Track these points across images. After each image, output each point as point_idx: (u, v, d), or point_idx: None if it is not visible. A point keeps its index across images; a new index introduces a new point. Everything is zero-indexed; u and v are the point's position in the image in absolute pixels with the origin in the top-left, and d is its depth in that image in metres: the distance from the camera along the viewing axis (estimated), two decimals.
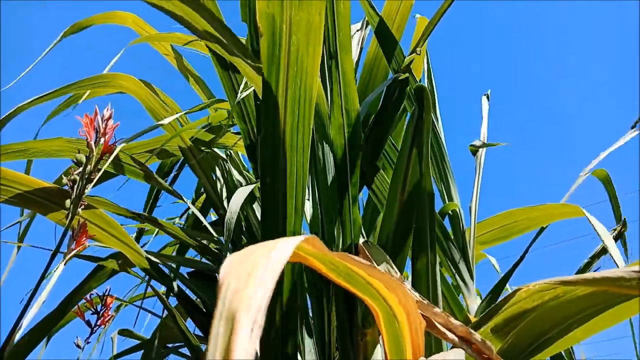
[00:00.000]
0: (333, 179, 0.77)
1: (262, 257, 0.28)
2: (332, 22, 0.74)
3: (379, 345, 0.79)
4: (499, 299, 0.55)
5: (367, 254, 0.73)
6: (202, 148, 1.12)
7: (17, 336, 0.72)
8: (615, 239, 0.89)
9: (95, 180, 0.77)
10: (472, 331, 0.52)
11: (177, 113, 1.20)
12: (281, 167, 0.62)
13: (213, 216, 1.40)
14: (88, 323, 0.97)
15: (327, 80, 0.75)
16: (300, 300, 0.73)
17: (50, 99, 0.99)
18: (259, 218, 0.95)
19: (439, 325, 0.55)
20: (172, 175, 1.27)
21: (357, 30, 1.07)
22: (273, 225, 0.65)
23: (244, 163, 1.17)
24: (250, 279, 0.26)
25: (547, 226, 1.01)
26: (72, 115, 1.14)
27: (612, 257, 0.77)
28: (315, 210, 0.78)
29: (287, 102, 0.59)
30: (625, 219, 0.90)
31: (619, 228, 0.90)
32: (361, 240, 0.78)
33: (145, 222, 1.02)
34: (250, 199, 0.96)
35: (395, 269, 0.71)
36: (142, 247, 0.99)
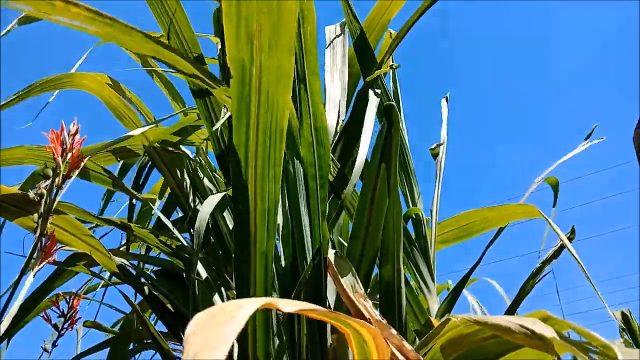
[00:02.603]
0: (303, 194, 0.79)
1: (219, 325, 0.33)
2: (299, 47, 0.75)
3: (348, 350, 0.83)
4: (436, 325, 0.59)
5: (335, 269, 0.76)
6: (169, 148, 1.11)
7: None
8: (562, 245, 0.95)
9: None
10: (421, 358, 0.56)
11: (140, 110, 1.18)
12: (252, 195, 0.64)
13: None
14: (55, 327, 0.97)
15: (297, 100, 0.77)
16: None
17: (13, 105, 0.96)
18: (229, 226, 0.96)
19: (392, 347, 0.59)
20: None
21: (339, 35, 1.07)
22: (245, 248, 0.67)
23: (211, 164, 1.17)
24: (209, 341, 0.31)
25: (505, 227, 1.06)
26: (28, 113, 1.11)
27: (572, 254, 0.82)
28: (287, 226, 0.80)
29: (259, 134, 0.61)
30: (574, 226, 0.97)
31: (568, 234, 0.96)
32: (332, 252, 0.81)
33: (111, 226, 1.01)
34: (220, 202, 0.96)
35: (360, 284, 0.75)
36: None
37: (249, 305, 0.36)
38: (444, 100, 1.19)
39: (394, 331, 0.61)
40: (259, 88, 0.58)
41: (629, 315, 2.33)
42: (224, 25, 0.57)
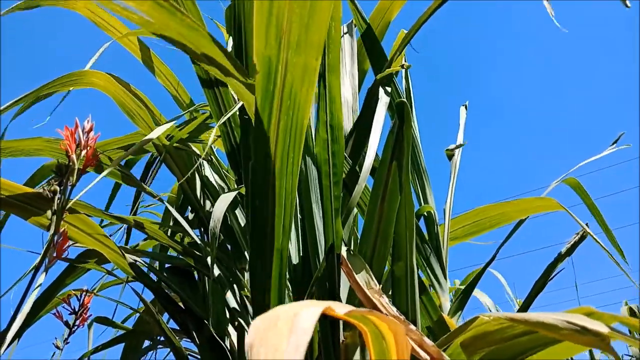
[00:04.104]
0: (316, 192, 0.79)
1: (283, 336, 0.31)
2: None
3: (359, 347, 0.83)
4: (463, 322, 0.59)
5: (349, 266, 0.76)
6: (178, 145, 1.11)
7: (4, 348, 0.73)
8: (579, 241, 0.95)
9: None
10: (444, 353, 0.56)
11: (149, 108, 1.18)
12: (270, 192, 0.64)
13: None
14: (67, 324, 0.97)
15: (314, 97, 0.77)
16: None
17: (22, 102, 0.96)
18: (241, 223, 0.96)
19: (412, 343, 0.58)
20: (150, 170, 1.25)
21: (345, 33, 1.07)
22: (260, 245, 0.67)
23: (222, 162, 1.17)
24: (277, 353, 0.29)
25: (525, 219, 1.05)
26: (40, 111, 1.11)
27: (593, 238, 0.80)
28: (299, 222, 0.80)
29: (279, 132, 0.61)
30: (587, 223, 0.96)
31: (581, 232, 0.95)
32: (344, 249, 0.81)
33: (124, 223, 1.02)
34: (232, 200, 0.96)
35: (375, 281, 0.75)
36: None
37: (312, 310, 0.34)
38: (462, 108, 1.19)
39: (412, 327, 0.61)
40: (283, 85, 0.59)
41: (636, 310, 2.31)
42: (255, 22, 0.57)
